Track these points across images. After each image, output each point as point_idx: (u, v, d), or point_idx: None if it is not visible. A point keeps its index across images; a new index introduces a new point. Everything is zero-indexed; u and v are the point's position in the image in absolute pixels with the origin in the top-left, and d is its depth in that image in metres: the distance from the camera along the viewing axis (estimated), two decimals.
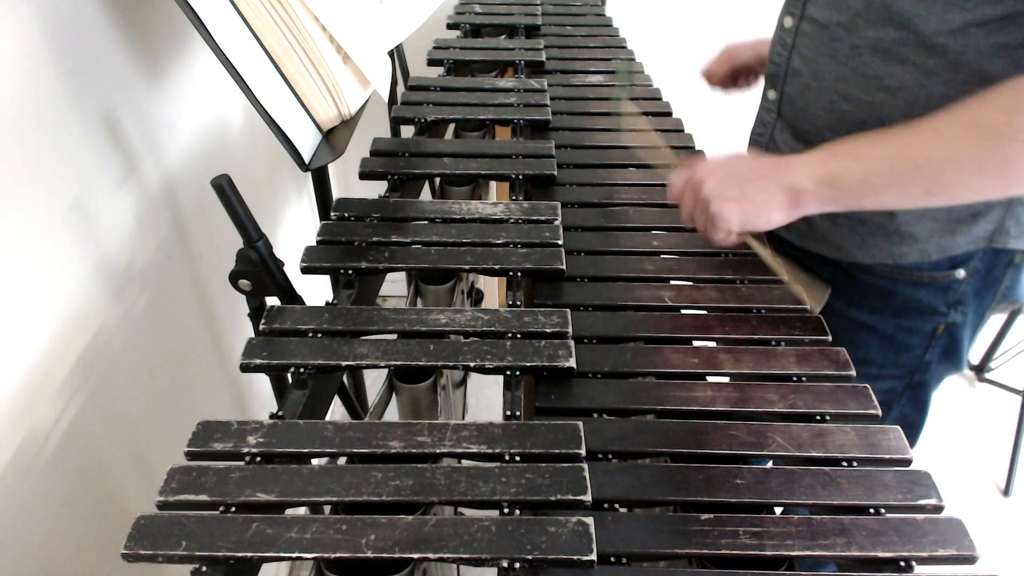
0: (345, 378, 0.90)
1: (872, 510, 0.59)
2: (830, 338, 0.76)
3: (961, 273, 0.82)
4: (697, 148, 1.09)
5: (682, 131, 1.13)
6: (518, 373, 0.69)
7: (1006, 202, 0.77)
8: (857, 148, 0.70)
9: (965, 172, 0.65)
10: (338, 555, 0.52)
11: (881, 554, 0.55)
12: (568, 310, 0.75)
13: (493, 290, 1.84)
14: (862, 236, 0.83)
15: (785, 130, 0.89)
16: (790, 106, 0.87)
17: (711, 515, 0.57)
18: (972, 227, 0.79)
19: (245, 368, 0.69)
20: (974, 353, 2.13)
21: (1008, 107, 0.63)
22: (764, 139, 0.93)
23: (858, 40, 0.76)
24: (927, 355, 0.88)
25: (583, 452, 0.61)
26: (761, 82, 1.01)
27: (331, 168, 1.14)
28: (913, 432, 0.96)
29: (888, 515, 0.59)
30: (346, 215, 0.88)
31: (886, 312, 0.86)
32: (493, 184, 1.38)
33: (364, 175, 0.99)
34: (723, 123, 1.12)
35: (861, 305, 0.87)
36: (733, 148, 0.90)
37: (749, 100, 1.06)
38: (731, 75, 1.06)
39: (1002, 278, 0.83)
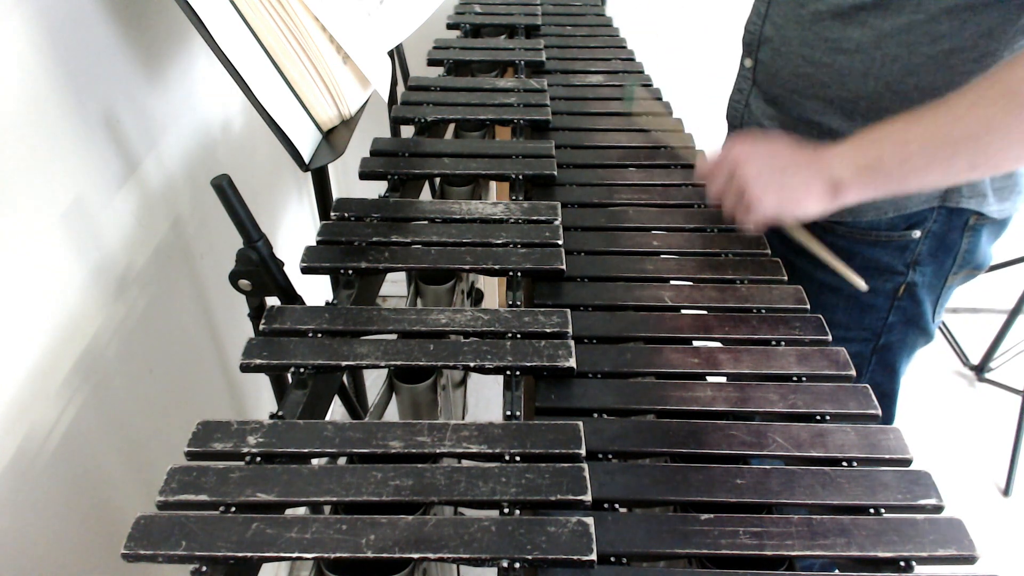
0: (345, 378, 0.90)
1: (872, 510, 0.59)
2: (830, 338, 0.76)
3: (916, 233, 0.86)
4: (698, 148, 1.09)
5: (682, 131, 1.13)
6: (518, 373, 0.69)
7: None
8: (894, 132, 0.71)
9: (1005, 141, 0.66)
10: (338, 555, 0.52)
11: (881, 554, 0.55)
12: (568, 310, 0.75)
13: (493, 290, 1.84)
14: None
15: (759, 96, 0.95)
16: (763, 72, 0.92)
17: (711, 515, 0.57)
18: None
19: (245, 368, 0.69)
20: (974, 353, 2.13)
21: None
22: (740, 105, 0.98)
23: (821, 5, 0.81)
24: (891, 316, 0.93)
25: (583, 452, 0.61)
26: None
27: (331, 168, 1.14)
28: (887, 404, 1.01)
29: (888, 515, 0.58)
30: (346, 215, 0.88)
31: None
32: (493, 184, 1.38)
33: (364, 175, 0.99)
34: (723, 122, 1.12)
35: (827, 267, 0.90)
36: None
37: None
38: None
39: (959, 241, 0.87)
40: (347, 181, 2.04)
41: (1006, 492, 1.85)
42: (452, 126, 1.27)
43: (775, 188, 0.74)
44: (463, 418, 1.06)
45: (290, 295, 0.80)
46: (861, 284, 0.81)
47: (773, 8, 0.88)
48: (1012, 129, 0.65)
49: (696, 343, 0.75)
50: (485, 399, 1.99)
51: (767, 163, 0.76)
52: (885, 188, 0.72)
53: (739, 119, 1.00)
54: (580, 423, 0.63)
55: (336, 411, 1.41)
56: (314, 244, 0.84)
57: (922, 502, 0.59)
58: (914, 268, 0.89)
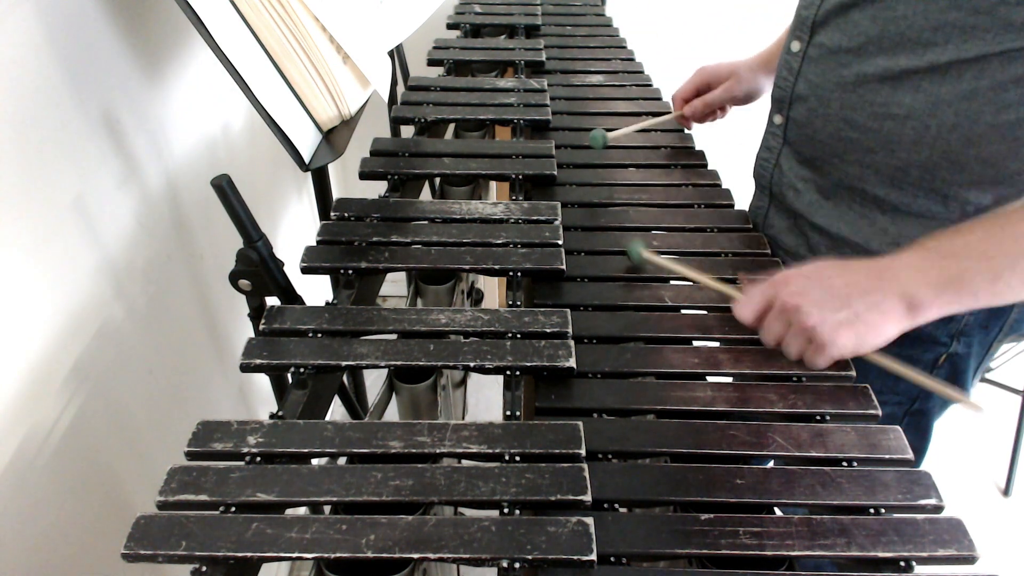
0: (345, 378, 0.90)
1: (872, 510, 0.59)
2: None
3: None
4: (697, 148, 1.09)
5: (682, 131, 1.13)
6: (518, 373, 0.69)
7: None
8: (977, 244, 0.64)
9: None
10: (338, 555, 0.52)
11: (881, 554, 0.55)
12: (568, 310, 0.75)
13: (493, 290, 1.84)
14: None
15: (791, 156, 0.88)
16: (796, 132, 0.85)
17: (711, 515, 0.57)
18: None
19: (245, 368, 0.69)
20: None
21: None
22: (770, 164, 0.92)
23: (867, 67, 0.74)
24: None
25: (583, 452, 0.61)
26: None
27: (331, 168, 1.14)
28: (915, 459, 0.93)
29: (888, 515, 0.59)
30: (346, 215, 0.88)
31: None
32: (493, 184, 1.38)
33: (364, 175, 0.99)
34: (722, 122, 1.12)
35: None
36: (733, 147, 0.86)
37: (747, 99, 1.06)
38: (705, 113, 1.08)
39: (1010, 309, 0.80)
40: (347, 181, 2.04)
41: (1006, 492, 1.85)
42: (452, 126, 1.27)
43: (848, 324, 0.64)
44: (463, 418, 1.06)
45: (290, 295, 0.80)
46: (976, 407, 0.71)
47: (808, 65, 0.80)
48: None
49: (696, 343, 0.75)
50: (485, 399, 1.99)
51: (826, 296, 0.65)
52: (970, 304, 0.65)
53: (768, 178, 0.93)
54: (580, 423, 0.63)
55: (336, 411, 1.41)
56: (314, 244, 0.84)
57: (922, 502, 0.59)
58: (958, 339, 0.80)
